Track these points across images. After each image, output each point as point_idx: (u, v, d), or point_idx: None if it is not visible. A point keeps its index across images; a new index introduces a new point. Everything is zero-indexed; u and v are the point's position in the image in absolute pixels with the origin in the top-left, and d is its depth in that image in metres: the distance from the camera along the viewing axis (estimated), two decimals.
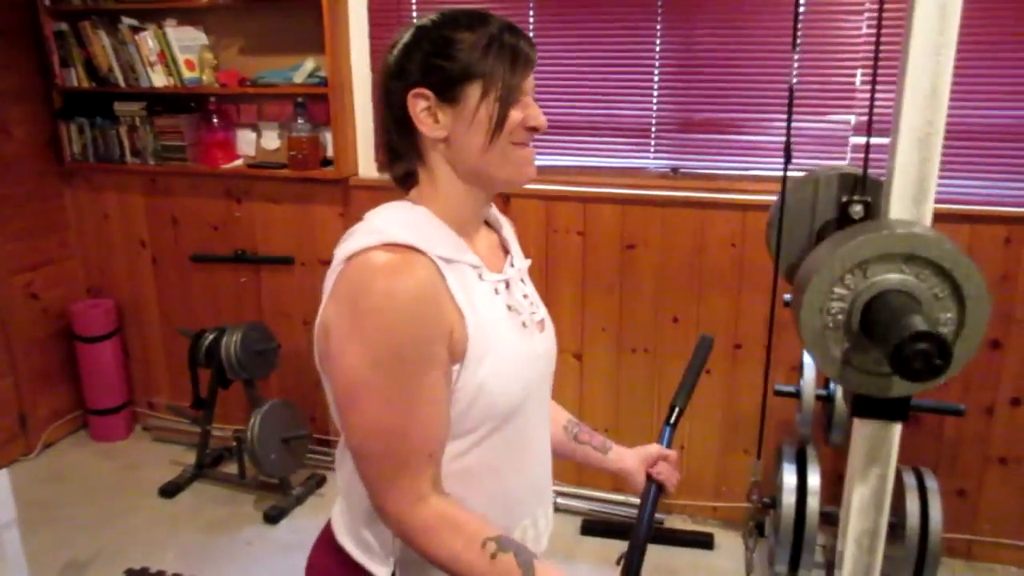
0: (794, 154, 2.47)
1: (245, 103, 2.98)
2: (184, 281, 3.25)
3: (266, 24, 2.87)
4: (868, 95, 2.36)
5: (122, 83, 2.98)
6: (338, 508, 1.14)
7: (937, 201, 2.34)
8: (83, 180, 3.29)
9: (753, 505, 1.72)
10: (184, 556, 2.63)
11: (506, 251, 1.14)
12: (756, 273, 2.56)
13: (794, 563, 2.34)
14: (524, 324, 1.06)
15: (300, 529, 2.77)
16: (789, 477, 2.34)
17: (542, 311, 1.13)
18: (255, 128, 3.00)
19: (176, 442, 3.35)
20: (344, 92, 2.80)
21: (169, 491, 2.98)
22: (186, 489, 3.02)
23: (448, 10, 0.99)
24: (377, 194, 2.93)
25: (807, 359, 2.35)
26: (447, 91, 0.96)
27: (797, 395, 2.39)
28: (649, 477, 1.28)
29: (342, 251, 0.96)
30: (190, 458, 3.12)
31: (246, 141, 3.03)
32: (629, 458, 1.31)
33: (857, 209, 0.91)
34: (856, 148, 2.39)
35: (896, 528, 2.34)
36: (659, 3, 2.46)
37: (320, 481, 3.05)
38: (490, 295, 1.02)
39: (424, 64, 0.96)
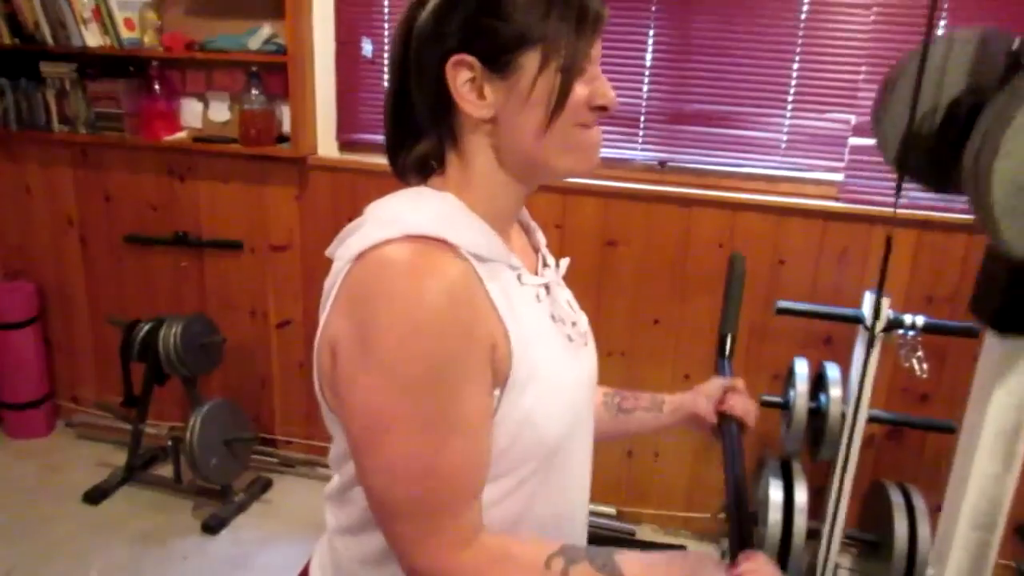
0: (788, 153, 2.35)
1: (192, 70, 2.69)
2: (116, 265, 2.94)
3: None
4: (870, 95, 2.25)
5: (50, 41, 2.65)
6: (331, 555, 0.92)
7: (905, 206, 2.21)
8: (2, 149, 2.94)
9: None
10: (111, 571, 2.37)
11: (536, 249, 0.96)
12: (747, 274, 2.42)
13: None
14: (570, 338, 0.88)
15: (243, 540, 2.53)
16: (775, 492, 2.23)
17: (584, 321, 0.95)
18: (202, 98, 2.72)
19: (103, 440, 3.05)
20: (304, 62, 2.55)
21: (95, 496, 2.69)
22: (114, 494, 2.73)
23: None
24: (338, 176, 2.73)
25: (798, 367, 2.23)
26: (498, 60, 0.76)
27: (785, 406, 2.28)
28: (723, 416, 1.07)
29: (349, 247, 0.76)
30: (119, 459, 2.83)
31: (192, 112, 2.74)
32: (690, 403, 1.11)
33: None
34: (855, 150, 2.28)
35: (881, 547, 2.26)
36: None
37: (265, 485, 2.81)
38: (532, 303, 0.84)
39: (468, 25, 0.76)
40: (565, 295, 0.93)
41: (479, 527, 0.77)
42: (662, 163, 2.44)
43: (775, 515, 2.20)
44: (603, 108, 0.81)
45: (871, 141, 2.28)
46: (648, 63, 2.36)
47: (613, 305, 2.52)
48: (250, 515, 2.67)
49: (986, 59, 0.81)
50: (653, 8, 2.31)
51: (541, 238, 0.97)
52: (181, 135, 2.73)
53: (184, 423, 2.58)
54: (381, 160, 2.82)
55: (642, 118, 2.40)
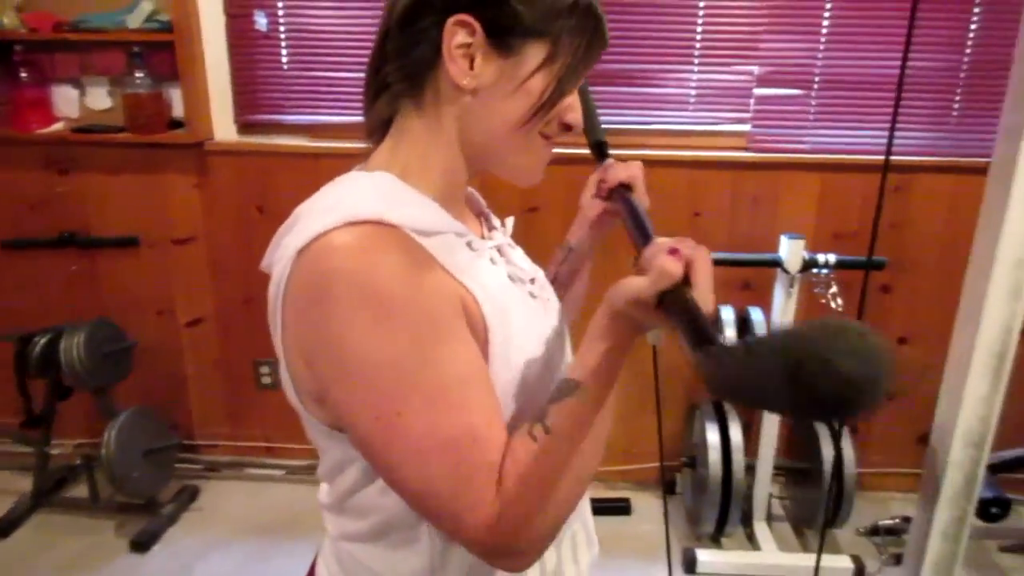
0: (697, 107, 2.42)
1: (62, 53, 2.44)
2: None
3: None
4: (771, 46, 2.34)
5: None
6: (340, 562, 0.88)
7: (810, 151, 2.36)
8: None
9: None
10: None
11: (478, 214, 0.94)
12: (662, 231, 2.48)
13: (723, 517, 2.35)
14: (533, 295, 0.87)
15: (178, 553, 2.39)
16: (712, 435, 2.34)
17: (542, 275, 0.94)
18: (78, 84, 2.48)
19: (4, 467, 2.78)
20: (193, 39, 2.37)
21: (2, 529, 2.46)
22: (24, 524, 2.51)
23: None
24: (242, 160, 2.58)
25: (724, 314, 2.33)
26: (504, 37, 0.73)
27: None
28: (608, 194, 1.02)
29: (287, 247, 0.72)
30: (24, 485, 2.60)
31: (66, 100, 2.50)
32: (582, 218, 1.08)
33: None
34: (760, 100, 2.37)
35: (810, 472, 2.42)
36: None
37: (193, 494, 2.66)
38: (488, 266, 0.81)
39: None
40: (519, 255, 0.91)
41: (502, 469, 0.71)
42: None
43: (714, 455, 2.31)
44: (567, 127, 0.80)
45: (775, 91, 2.38)
46: None
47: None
48: (181, 526, 2.53)
49: None
50: None
51: (481, 201, 0.95)
52: (58, 126, 2.49)
53: (94, 437, 2.40)
54: (287, 140, 2.69)
55: None
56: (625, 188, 1.01)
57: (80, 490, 2.61)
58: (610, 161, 1.05)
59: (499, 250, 0.86)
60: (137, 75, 2.37)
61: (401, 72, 0.78)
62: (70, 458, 2.63)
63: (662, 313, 0.65)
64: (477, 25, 0.72)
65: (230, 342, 2.71)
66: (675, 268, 0.64)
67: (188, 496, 2.63)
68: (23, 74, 2.40)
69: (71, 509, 2.58)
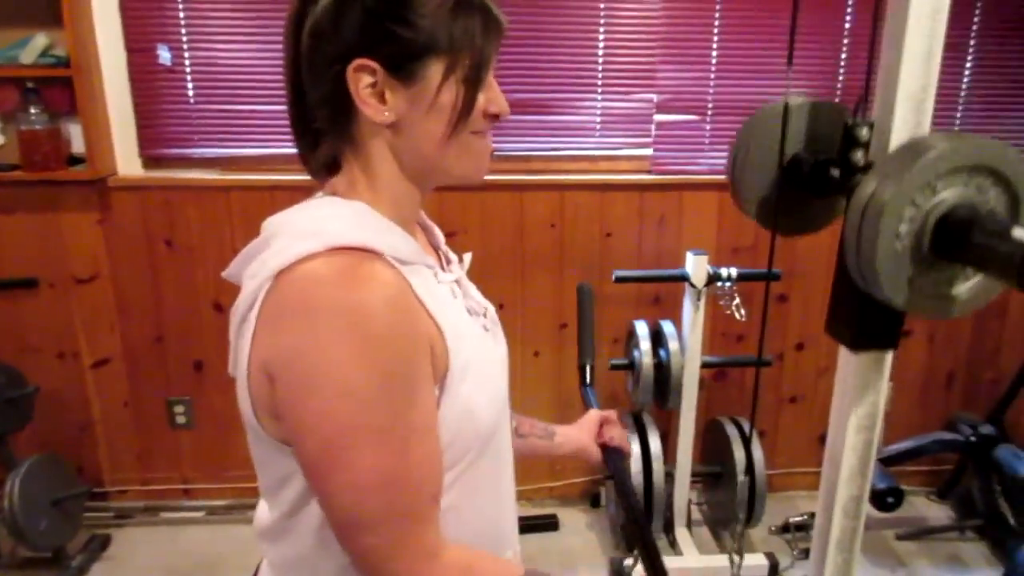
0: (603, 133, 2.54)
1: None
2: None
3: None
4: (667, 75, 2.49)
5: None
6: None
7: (707, 172, 2.52)
8: None
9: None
10: None
11: (435, 248, 0.98)
12: (576, 252, 2.59)
13: (645, 526, 2.42)
14: (485, 328, 0.92)
15: None
16: (634, 446, 2.42)
17: (492, 310, 0.99)
18: None
19: None
20: (92, 73, 2.32)
21: None
22: None
23: None
24: (148, 195, 2.52)
25: (640, 329, 2.43)
26: (402, 66, 0.75)
27: (631, 366, 2.48)
28: (605, 448, 1.21)
29: (264, 264, 0.74)
30: None
31: None
32: (576, 436, 1.22)
33: (864, 132, 0.88)
34: (660, 125, 2.51)
35: (724, 475, 2.54)
36: None
37: (104, 542, 2.54)
38: (450, 299, 0.86)
39: (371, 27, 0.74)
40: (473, 288, 0.96)
41: (442, 537, 0.79)
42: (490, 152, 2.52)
43: (634, 465, 2.40)
44: (496, 116, 0.82)
45: (673, 117, 2.52)
46: None
47: None
48: None
49: (819, 126, 0.99)
50: None
51: (440, 236, 0.99)
52: None
53: None
54: (194, 174, 2.66)
55: None
56: (619, 454, 1.17)
57: None
58: (613, 415, 1.23)
59: (458, 283, 0.90)
60: (32, 111, 2.29)
61: (328, 121, 0.80)
62: None
63: None
64: (375, 64, 0.75)
65: (140, 382, 2.62)
66: None
67: (99, 545, 2.51)
68: None
69: None
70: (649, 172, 2.56)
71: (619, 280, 2.35)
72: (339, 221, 0.77)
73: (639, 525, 1.01)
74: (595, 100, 2.49)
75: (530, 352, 2.69)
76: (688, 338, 2.37)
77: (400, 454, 0.73)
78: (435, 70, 0.76)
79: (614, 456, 1.20)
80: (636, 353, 2.42)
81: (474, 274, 0.96)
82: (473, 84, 0.78)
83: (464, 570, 0.79)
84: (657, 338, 2.45)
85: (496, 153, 2.52)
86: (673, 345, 2.37)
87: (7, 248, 2.46)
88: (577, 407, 2.73)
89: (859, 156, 0.90)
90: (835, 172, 0.94)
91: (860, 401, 0.90)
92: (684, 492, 2.55)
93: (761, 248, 2.62)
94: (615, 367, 2.46)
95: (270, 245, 0.75)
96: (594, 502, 2.82)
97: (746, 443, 2.44)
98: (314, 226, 0.76)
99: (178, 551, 2.53)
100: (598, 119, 2.51)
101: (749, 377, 2.77)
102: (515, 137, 2.51)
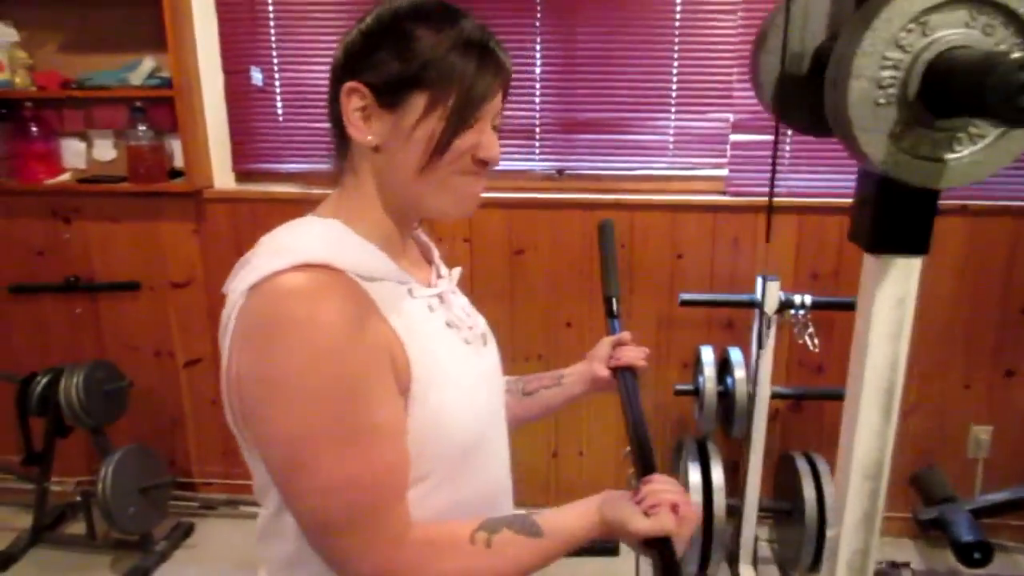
0: (676, 153, 2.49)
1: (69, 108, 2.58)
2: (2, 318, 2.78)
3: (89, 18, 2.50)
4: (744, 94, 2.41)
5: None
6: None
7: (786, 194, 2.39)
8: None
9: None
10: None
11: (429, 262, 1.00)
12: (646, 273, 2.54)
13: (704, 558, 2.35)
14: (467, 341, 0.93)
15: None
16: (694, 475, 2.35)
17: (481, 323, 1.00)
18: (84, 137, 2.61)
19: (6, 503, 2.86)
20: (192, 94, 2.50)
21: (1, 563, 2.53)
22: (22, 558, 2.58)
23: None
24: (238, 207, 2.68)
25: (704, 355, 2.36)
26: (387, 94, 0.80)
27: (696, 392, 2.40)
28: (615, 369, 1.14)
29: (241, 280, 0.79)
30: (26, 521, 2.67)
31: (74, 152, 2.63)
32: (584, 370, 1.18)
33: None
34: (735, 145, 2.43)
35: (794, 513, 2.41)
36: (538, 1, 2.38)
37: (187, 530, 2.71)
38: (425, 313, 0.88)
39: (371, 57, 0.80)
40: (460, 302, 0.97)
41: (409, 522, 0.81)
42: (560, 171, 2.53)
43: (695, 496, 2.32)
44: (484, 162, 0.85)
45: (750, 137, 2.44)
46: (538, 76, 2.44)
47: (526, 311, 2.58)
48: (174, 563, 2.58)
49: (841, 6, 0.90)
50: (537, 24, 2.39)
51: (435, 251, 1.02)
52: (64, 177, 2.62)
53: (93, 475, 2.47)
54: (281, 188, 2.79)
55: (537, 129, 2.48)
56: (631, 372, 1.13)
57: (79, 526, 2.68)
58: (627, 335, 1.19)
59: (440, 297, 0.92)
60: (139, 128, 2.49)
61: (335, 139, 0.87)
62: (71, 495, 2.70)
63: (647, 548, 0.81)
64: (365, 89, 0.80)
65: None
66: (672, 528, 0.80)
67: (182, 533, 2.69)
68: (33, 129, 2.54)
69: (68, 545, 2.65)
70: (723, 193, 2.49)
71: (684, 303, 2.29)
72: (308, 240, 0.81)
73: (643, 451, 0.96)
74: (668, 119, 2.44)
75: None
76: (755, 366, 2.27)
77: (361, 458, 0.76)
78: (418, 103, 0.80)
79: (624, 376, 1.12)
80: (701, 379, 2.35)
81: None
82: (454, 124, 0.81)
83: (428, 544, 0.81)
84: (724, 366, 2.37)
85: (567, 171, 2.52)
86: (739, 373, 2.28)
87: (114, 254, 2.68)
88: None
89: None
90: None
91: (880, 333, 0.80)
92: (751, 527, 2.44)
93: (844, 274, 2.48)
94: (679, 392, 2.40)
95: (250, 262, 0.80)
96: None
97: (816, 480, 2.31)
98: (285, 244, 0.80)
99: (253, 544, 2.66)
100: (671, 138, 2.46)
101: (828, 410, 2.62)
102: (586, 156, 2.50)
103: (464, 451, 0.88)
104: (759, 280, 2.26)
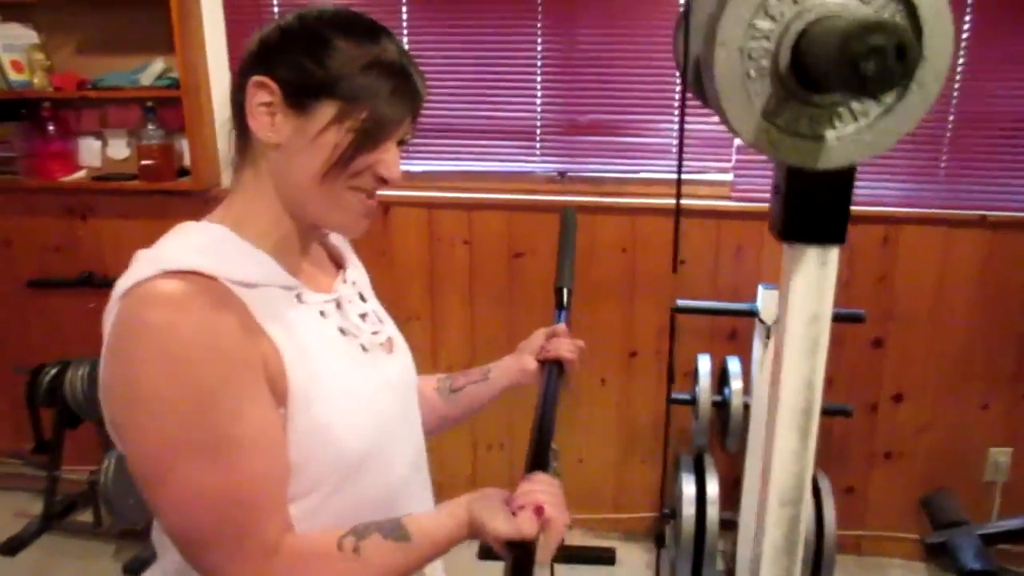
0: (684, 156, 2.43)
1: (85, 108, 2.66)
2: (20, 311, 2.87)
3: (105, 21, 2.57)
4: None
5: None
6: None
7: None
8: None
9: None
10: None
11: (339, 265, 0.98)
12: (648, 278, 2.49)
13: (696, 572, 2.28)
14: (364, 348, 0.90)
15: None
16: (688, 487, 2.29)
17: (389, 329, 0.97)
18: (100, 136, 2.69)
19: (20, 490, 2.96)
20: (200, 95, 2.54)
21: (11, 547, 2.61)
22: (32, 544, 2.66)
23: (344, 9, 0.82)
24: None
25: (701, 364, 2.30)
26: (297, 96, 0.79)
27: (693, 402, 2.34)
28: (542, 362, 1.11)
29: (116, 287, 0.78)
30: (38, 508, 2.76)
31: (89, 151, 2.70)
32: (511, 364, 1.14)
33: None
34: (742, 150, 2.36)
35: None
36: (539, 1, 2.35)
37: None
38: (314, 319, 0.85)
39: (286, 56, 0.79)
40: (360, 308, 0.94)
41: (283, 534, 0.78)
42: (561, 174, 2.49)
43: (688, 509, 2.26)
44: (383, 181, 0.83)
45: None
46: (539, 77, 2.41)
47: (525, 316, 2.55)
48: None
49: None
50: (539, 24, 2.36)
51: (350, 256, 0.99)
52: (80, 174, 2.69)
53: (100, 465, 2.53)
54: None
55: (538, 130, 2.45)
56: (558, 365, 1.09)
57: (87, 516, 2.75)
58: (561, 327, 1.14)
59: (337, 303, 0.90)
60: (150, 127, 2.55)
61: (236, 130, 0.85)
62: (82, 485, 2.77)
63: (505, 551, 0.77)
64: (275, 86, 0.79)
65: None
66: (531, 531, 0.76)
67: None
68: (50, 128, 2.62)
69: (76, 533, 2.73)
70: (728, 198, 2.42)
71: (678, 311, 2.23)
72: (180, 247, 0.80)
73: (539, 447, 0.91)
74: (672, 122, 2.39)
75: (596, 380, 2.61)
76: (755, 378, 2.20)
77: (226, 470, 0.74)
78: (326, 112, 0.79)
79: (551, 369, 1.08)
80: (697, 389, 2.29)
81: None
82: (359, 140, 0.80)
83: (298, 557, 0.79)
84: (722, 376, 2.30)
85: (568, 174, 2.49)
86: (736, 384, 2.21)
87: (123, 251, 2.72)
88: (644, 439, 2.63)
89: None
90: None
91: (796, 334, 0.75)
92: (748, 543, 2.36)
93: (855, 286, 2.39)
94: (674, 401, 2.33)
95: (130, 268, 0.79)
96: (660, 541, 2.69)
97: (817, 498, 2.23)
98: (158, 251, 0.79)
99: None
100: (674, 142, 2.40)
101: (837, 427, 2.52)
102: (586, 158, 2.46)
103: (359, 459, 0.85)
104: (760, 289, 2.19)
